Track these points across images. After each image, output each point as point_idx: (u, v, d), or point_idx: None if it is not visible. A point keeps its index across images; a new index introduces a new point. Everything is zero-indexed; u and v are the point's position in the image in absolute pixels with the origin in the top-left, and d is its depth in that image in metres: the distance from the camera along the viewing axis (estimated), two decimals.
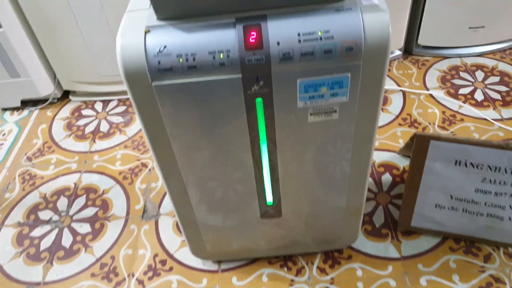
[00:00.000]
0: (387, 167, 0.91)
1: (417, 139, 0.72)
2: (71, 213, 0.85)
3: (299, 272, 0.74)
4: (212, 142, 0.54)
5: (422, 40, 1.15)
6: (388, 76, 1.17)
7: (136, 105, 0.49)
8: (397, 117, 1.03)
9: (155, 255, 0.77)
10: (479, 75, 1.12)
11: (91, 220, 0.84)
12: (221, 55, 0.46)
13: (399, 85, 1.12)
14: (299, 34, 0.46)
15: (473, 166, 0.71)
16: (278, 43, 0.46)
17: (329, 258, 0.75)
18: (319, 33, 0.46)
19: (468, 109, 1.02)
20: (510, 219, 0.72)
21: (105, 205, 0.86)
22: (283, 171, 0.60)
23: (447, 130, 0.97)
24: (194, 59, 0.46)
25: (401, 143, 0.96)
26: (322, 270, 0.74)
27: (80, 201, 0.87)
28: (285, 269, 0.74)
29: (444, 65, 1.16)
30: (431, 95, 1.07)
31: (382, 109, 1.06)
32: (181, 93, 0.48)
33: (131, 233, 0.81)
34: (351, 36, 0.46)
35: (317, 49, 0.46)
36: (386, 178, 0.89)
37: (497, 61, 1.16)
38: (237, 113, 0.51)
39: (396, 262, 0.74)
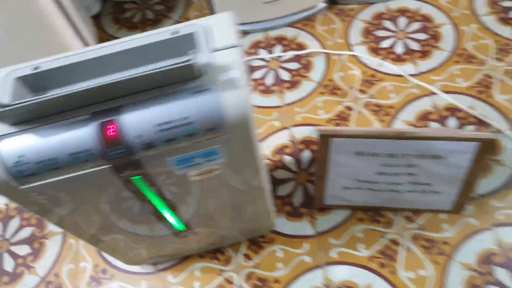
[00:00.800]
0: (308, 143, 0.96)
1: (320, 137, 0.76)
2: (7, 236, 0.90)
3: (227, 261, 0.84)
4: (107, 218, 0.58)
5: None
6: (312, 34, 1.13)
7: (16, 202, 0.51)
8: (319, 84, 1.04)
9: (96, 266, 0.86)
10: (402, 22, 1.10)
11: (29, 241, 0.89)
12: (83, 154, 0.46)
13: (322, 46, 1.09)
14: (157, 125, 0.46)
15: (372, 155, 0.77)
16: (137, 136, 0.46)
17: (253, 244, 0.86)
18: (178, 121, 0.46)
19: (387, 67, 1.03)
20: (406, 191, 0.81)
21: (40, 223, 0.91)
22: (186, 213, 0.64)
23: (366, 93, 1.00)
24: (55, 162, 0.46)
25: (322, 114, 0.99)
26: (247, 257, 0.84)
27: (14, 223, 0.91)
28: (215, 260, 0.85)
29: (369, 13, 1.13)
30: (353, 55, 1.06)
31: (305, 77, 1.06)
32: (54, 189, 0.49)
33: (70, 248, 0.88)
34: (211, 119, 0.46)
35: (178, 135, 0.47)
36: (306, 155, 0.95)
37: (422, 2, 1.12)
38: (119, 192, 0.53)
39: (312, 239, 0.85)
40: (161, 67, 0.42)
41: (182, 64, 0.42)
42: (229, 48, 0.48)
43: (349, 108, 0.99)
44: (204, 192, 0.60)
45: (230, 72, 0.46)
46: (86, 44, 1.15)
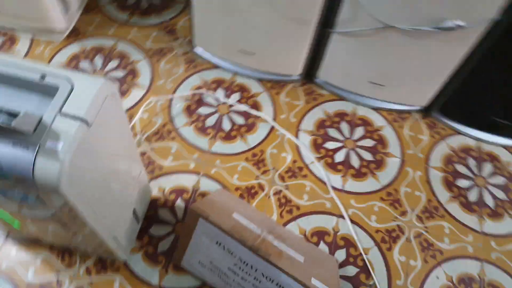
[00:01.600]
0: None
1: (189, 212, 0.80)
2: None
3: (69, 265, 0.90)
4: None
5: (322, 74, 1.11)
6: (272, 100, 1.16)
7: None
8: (249, 150, 1.07)
9: None
10: (358, 132, 1.11)
11: None
12: None
13: (274, 116, 1.12)
14: None
15: (228, 252, 0.81)
16: None
17: (101, 263, 0.91)
18: None
19: (316, 167, 1.05)
20: None
21: None
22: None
23: (284, 182, 1.03)
24: None
25: (235, 179, 1.03)
26: (88, 271, 0.90)
27: None
28: (60, 259, 0.90)
29: (334, 107, 1.15)
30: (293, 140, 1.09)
31: (242, 136, 1.09)
32: None
33: None
34: (20, 172, 0.51)
35: None
36: None
37: (387, 122, 1.13)
38: None
39: None
40: None
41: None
42: (75, 118, 0.52)
43: (261, 187, 1.02)
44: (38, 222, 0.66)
45: (59, 142, 0.50)
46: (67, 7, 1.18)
